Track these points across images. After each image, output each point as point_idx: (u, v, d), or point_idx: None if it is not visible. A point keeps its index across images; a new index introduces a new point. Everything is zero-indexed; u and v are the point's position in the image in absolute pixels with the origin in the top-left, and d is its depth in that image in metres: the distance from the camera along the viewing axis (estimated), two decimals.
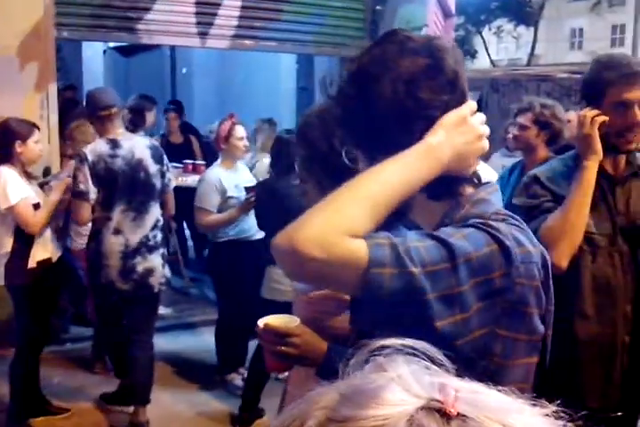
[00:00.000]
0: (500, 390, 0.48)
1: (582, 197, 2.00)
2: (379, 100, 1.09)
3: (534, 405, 0.47)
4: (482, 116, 1.16)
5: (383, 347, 0.51)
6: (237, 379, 4.03)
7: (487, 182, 1.21)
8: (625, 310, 2.06)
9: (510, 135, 3.42)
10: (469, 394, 0.45)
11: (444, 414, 0.43)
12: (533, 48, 24.27)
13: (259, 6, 5.24)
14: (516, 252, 1.05)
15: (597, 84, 2.04)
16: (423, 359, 0.50)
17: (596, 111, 2.03)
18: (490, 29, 24.15)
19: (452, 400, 0.44)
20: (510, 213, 1.16)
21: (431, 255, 0.99)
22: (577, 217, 1.99)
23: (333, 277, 1.01)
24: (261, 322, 1.46)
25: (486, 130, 1.15)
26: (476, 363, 1.03)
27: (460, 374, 0.50)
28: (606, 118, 2.02)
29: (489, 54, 24.37)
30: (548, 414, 0.47)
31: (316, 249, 0.95)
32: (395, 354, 0.50)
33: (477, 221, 1.07)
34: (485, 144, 1.15)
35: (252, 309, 3.39)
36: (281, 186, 3.24)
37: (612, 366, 2.06)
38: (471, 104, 1.15)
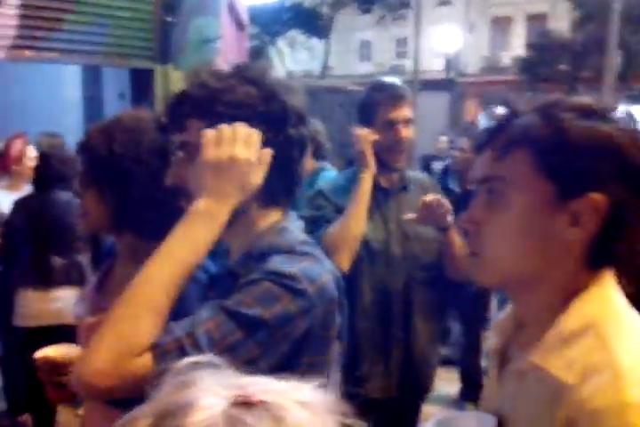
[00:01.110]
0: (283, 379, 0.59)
1: (358, 208, 2.19)
2: None
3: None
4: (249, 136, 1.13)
5: (182, 367, 0.59)
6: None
7: (288, 212, 1.26)
8: (399, 308, 2.28)
9: None
10: (264, 386, 0.57)
11: (250, 404, 0.54)
12: (326, 59, 25.32)
13: (38, 15, 4.86)
14: (311, 291, 1.11)
15: (369, 104, 2.24)
16: (219, 370, 0.60)
17: (368, 131, 2.23)
18: (284, 41, 24.81)
19: (252, 392, 0.55)
20: (308, 241, 1.22)
21: (222, 331, 1.04)
22: (354, 225, 2.18)
23: (133, 390, 1.00)
24: (39, 354, 1.43)
25: (255, 154, 1.13)
26: None
27: None
28: (377, 137, 2.22)
29: (284, 65, 25.02)
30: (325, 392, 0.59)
31: (107, 380, 0.99)
32: (193, 371, 0.58)
33: (272, 270, 1.10)
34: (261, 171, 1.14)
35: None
36: (40, 201, 3.15)
37: (388, 360, 2.29)
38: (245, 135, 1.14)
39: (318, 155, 3.57)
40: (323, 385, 0.59)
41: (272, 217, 1.21)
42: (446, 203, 2.18)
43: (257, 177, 1.13)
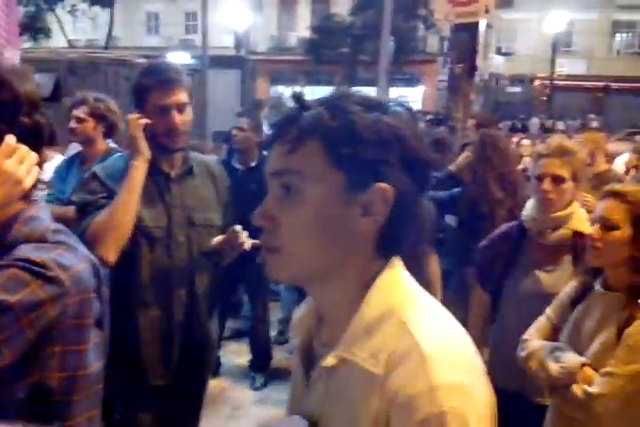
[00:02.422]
0: None
1: (129, 195, 2.07)
2: None
3: None
4: (22, 154, 1.12)
5: None
6: None
7: (35, 200, 1.24)
8: (180, 295, 2.24)
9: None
10: None
11: None
12: (111, 30, 24.15)
13: None
14: (63, 278, 1.12)
15: (139, 90, 2.16)
16: None
17: (138, 115, 2.15)
18: (64, 8, 23.21)
19: None
20: (61, 229, 1.22)
21: None
22: (123, 214, 2.05)
23: None
24: None
25: (24, 169, 1.13)
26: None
27: None
28: (149, 121, 2.14)
29: (65, 34, 23.47)
30: None
31: None
32: None
33: (20, 257, 1.10)
34: (26, 185, 1.14)
35: None
36: None
37: (170, 346, 2.25)
38: (6, 147, 1.12)
39: (112, 135, 3.43)
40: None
41: (16, 206, 1.17)
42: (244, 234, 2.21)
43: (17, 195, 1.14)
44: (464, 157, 3.54)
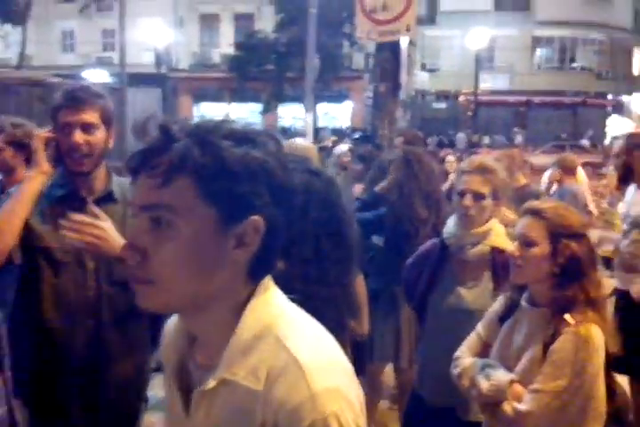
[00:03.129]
0: None
1: (15, 204, 2.05)
2: None
3: None
4: None
5: None
6: None
7: None
8: (86, 324, 2.16)
9: None
10: None
11: None
12: (23, 49, 23.24)
13: None
14: None
15: (52, 107, 2.16)
16: None
17: (45, 130, 2.16)
18: None
19: None
20: None
21: None
22: (4, 222, 2.02)
23: None
24: None
25: None
26: None
27: None
28: (51, 134, 2.14)
29: None
30: None
31: None
32: None
33: None
34: None
35: None
36: None
37: (87, 385, 2.17)
38: None
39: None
40: None
41: None
42: None
43: None
44: (389, 180, 3.50)
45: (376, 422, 3.56)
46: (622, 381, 3.16)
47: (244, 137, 0.94)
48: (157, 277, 0.92)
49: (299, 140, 2.29)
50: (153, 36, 24.22)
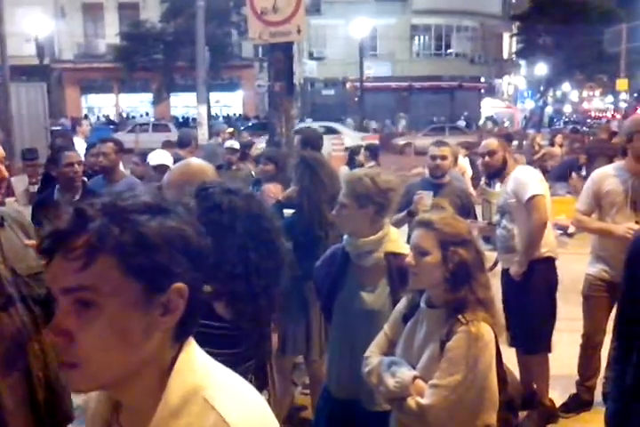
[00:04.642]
0: None
1: None
2: None
3: None
4: None
5: None
6: None
7: None
8: (34, 348, 2.05)
9: None
10: None
11: None
12: None
13: None
14: None
15: None
16: None
17: None
18: None
19: None
20: None
21: None
22: None
23: None
24: None
25: None
26: None
27: None
28: None
29: None
30: None
31: None
32: None
33: None
34: None
35: None
36: None
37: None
38: None
39: None
40: None
41: None
42: None
43: None
44: (294, 188, 3.50)
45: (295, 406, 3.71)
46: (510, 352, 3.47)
47: (158, 208, 0.95)
48: (84, 360, 0.90)
49: (194, 161, 2.29)
50: (33, 27, 23.25)
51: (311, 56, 33.30)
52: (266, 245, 1.71)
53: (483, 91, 37.38)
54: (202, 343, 1.49)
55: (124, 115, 31.28)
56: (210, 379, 0.97)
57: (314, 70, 32.98)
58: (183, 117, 29.11)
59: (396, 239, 2.50)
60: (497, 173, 3.78)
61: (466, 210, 3.97)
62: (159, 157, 4.68)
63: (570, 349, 3.73)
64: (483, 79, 36.81)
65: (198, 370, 0.97)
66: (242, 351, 1.67)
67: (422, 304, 2.09)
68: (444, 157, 4.13)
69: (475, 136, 20.28)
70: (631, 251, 1.77)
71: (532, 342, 3.59)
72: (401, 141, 23.13)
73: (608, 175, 3.50)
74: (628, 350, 1.68)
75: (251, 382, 1.65)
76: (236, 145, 6.77)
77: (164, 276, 0.92)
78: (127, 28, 27.23)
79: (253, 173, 5.78)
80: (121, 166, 4.59)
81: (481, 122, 31.79)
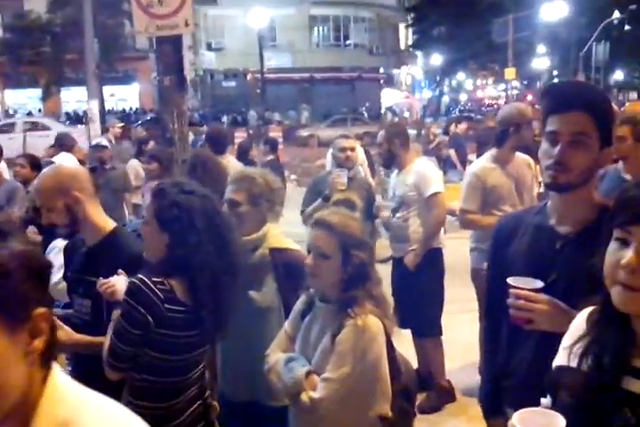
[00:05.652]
0: None
1: None
2: None
3: None
4: None
5: None
6: None
7: None
8: None
9: None
10: None
11: None
12: None
13: None
14: None
15: None
16: None
17: None
18: None
19: None
20: None
21: None
22: None
23: None
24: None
25: None
26: None
27: None
28: None
29: None
30: None
31: None
32: None
33: None
34: None
35: None
36: None
37: None
38: None
39: None
40: None
41: None
42: None
43: None
44: None
45: None
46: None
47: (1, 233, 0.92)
48: None
49: (65, 166, 2.26)
50: None
51: (209, 47, 32.72)
52: (220, 239, 1.90)
53: (382, 81, 37.98)
54: (167, 326, 1.78)
55: (11, 112, 29.60)
56: (79, 407, 0.92)
57: (213, 61, 32.43)
58: (75, 113, 27.85)
59: (277, 234, 2.52)
60: (388, 163, 4.04)
61: (371, 201, 4.16)
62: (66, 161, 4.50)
63: (472, 328, 3.58)
64: (382, 70, 37.42)
65: (66, 399, 0.93)
66: (199, 334, 1.87)
67: (317, 300, 2.13)
68: (353, 149, 4.22)
69: (377, 126, 20.62)
70: (495, 237, 1.76)
71: (424, 327, 3.81)
72: (304, 133, 23.11)
73: (490, 169, 3.48)
74: (495, 332, 1.70)
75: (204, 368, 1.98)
76: (104, 142, 6.59)
77: (25, 305, 0.89)
78: (10, 19, 25.76)
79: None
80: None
81: (382, 112, 32.30)
